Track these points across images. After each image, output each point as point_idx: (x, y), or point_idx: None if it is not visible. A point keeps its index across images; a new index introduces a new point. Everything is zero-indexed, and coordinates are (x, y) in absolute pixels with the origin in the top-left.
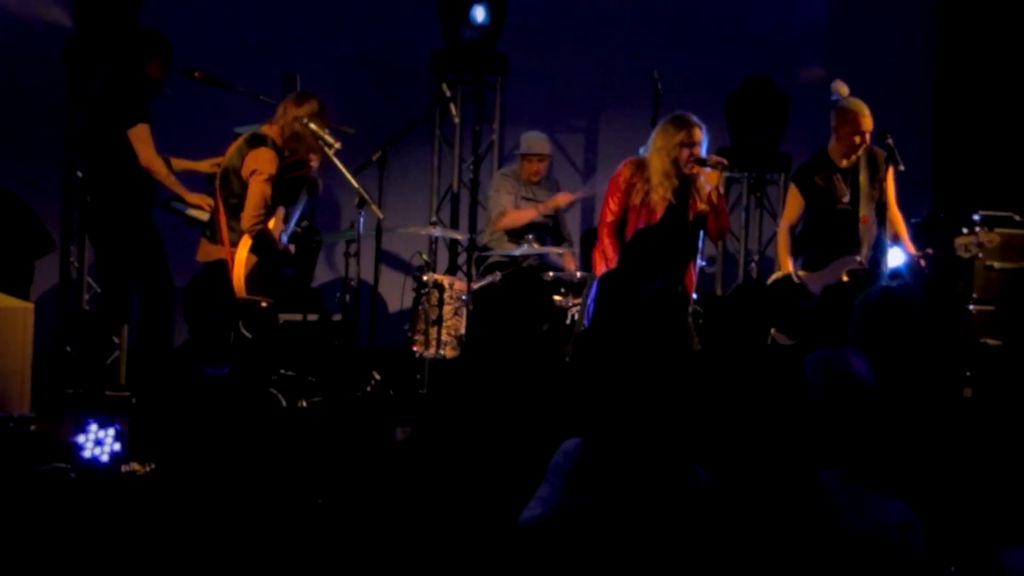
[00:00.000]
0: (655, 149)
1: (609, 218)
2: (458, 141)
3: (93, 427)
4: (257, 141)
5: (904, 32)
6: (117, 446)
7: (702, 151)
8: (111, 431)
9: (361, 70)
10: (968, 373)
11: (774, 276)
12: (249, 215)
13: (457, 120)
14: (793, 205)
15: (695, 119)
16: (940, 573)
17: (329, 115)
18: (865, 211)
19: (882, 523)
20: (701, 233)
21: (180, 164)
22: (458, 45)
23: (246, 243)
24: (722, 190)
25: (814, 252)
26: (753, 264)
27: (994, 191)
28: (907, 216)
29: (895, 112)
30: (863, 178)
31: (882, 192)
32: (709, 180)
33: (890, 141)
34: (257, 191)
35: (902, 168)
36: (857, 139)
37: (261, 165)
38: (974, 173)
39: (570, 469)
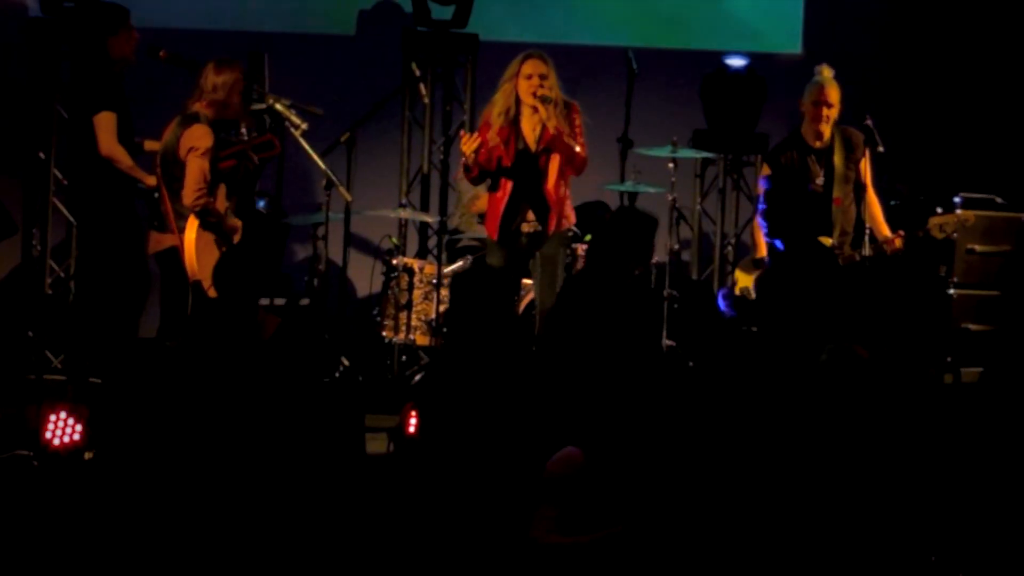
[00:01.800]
0: (502, 83)
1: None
2: (428, 122)
3: None
4: (189, 120)
5: (882, 12)
6: None
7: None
8: None
9: (329, 49)
10: (948, 359)
11: (740, 285)
12: (190, 191)
13: (427, 100)
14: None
15: (538, 52)
16: (921, 562)
17: (295, 93)
18: (839, 192)
19: None
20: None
21: (151, 145)
22: (428, 24)
23: (193, 224)
24: (561, 134)
25: (787, 234)
26: (729, 247)
27: (975, 173)
28: (886, 199)
29: (874, 93)
30: (838, 159)
31: (859, 174)
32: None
33: (869, 122)
34: (195, 167)
35: (881, 150)
36: (823, 110)
37: (196, 141)
38: (955, 155)
39: (575, 485)
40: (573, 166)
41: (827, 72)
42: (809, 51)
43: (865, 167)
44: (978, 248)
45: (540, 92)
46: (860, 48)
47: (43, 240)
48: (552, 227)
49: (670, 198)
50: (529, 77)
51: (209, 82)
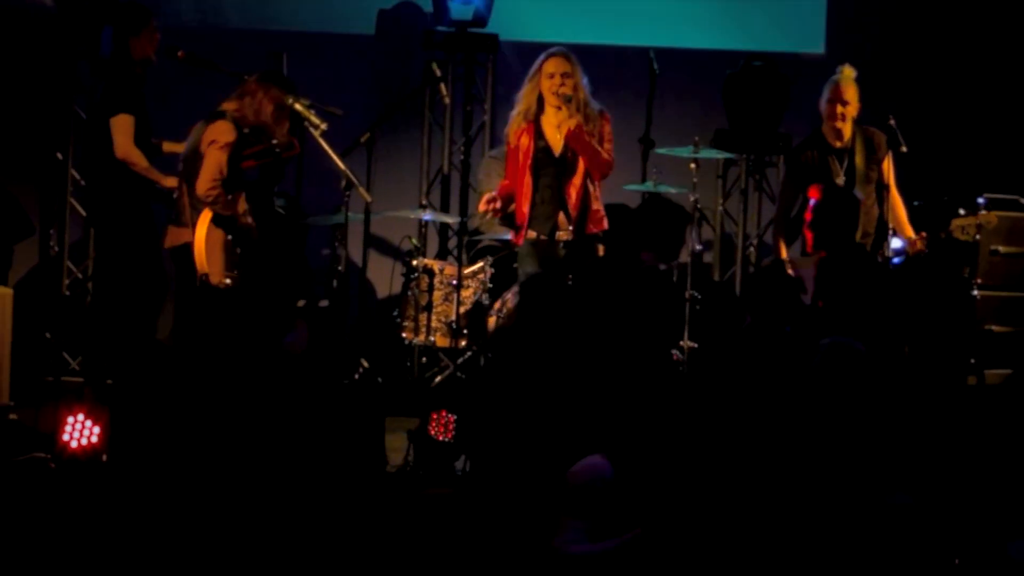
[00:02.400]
0: (525, 83)
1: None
2: (448, 122)
3: None
4: (215, 116)
5: (905, 12)
6: None
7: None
8: None
9: (349, 49)
10: (972, 360)
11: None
12: (203, 181)
13: (447, 101)
14: (788, 189)
15: (562, 50)
16: (944, 565)
17: (315, 94)
18: (860, 193)
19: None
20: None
21: (169, 147)
22: (449, 24)
23: (205, 218)
24: (580, 130)
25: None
26: (752, 248)
27: (1000, 173)
28: (910, 199)
29: (898, 93)
30: (859, 159)
31: (881, 174)
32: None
33: (892, 122)
34: (212, 158)
35: (904, 150)
36: (838, 107)
37: (217, 135)
38: (980, 156)
39: (603, 494)
40: (596, 167)
41: (847, 71)
42: (832, 51)
43: (888, 167)
44: (1002, 249)
45: (561, 91)
46: (883, 48)
47: (60, 241)
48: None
49: (692, 199)
50: (551, 76)
51: (250, 92)
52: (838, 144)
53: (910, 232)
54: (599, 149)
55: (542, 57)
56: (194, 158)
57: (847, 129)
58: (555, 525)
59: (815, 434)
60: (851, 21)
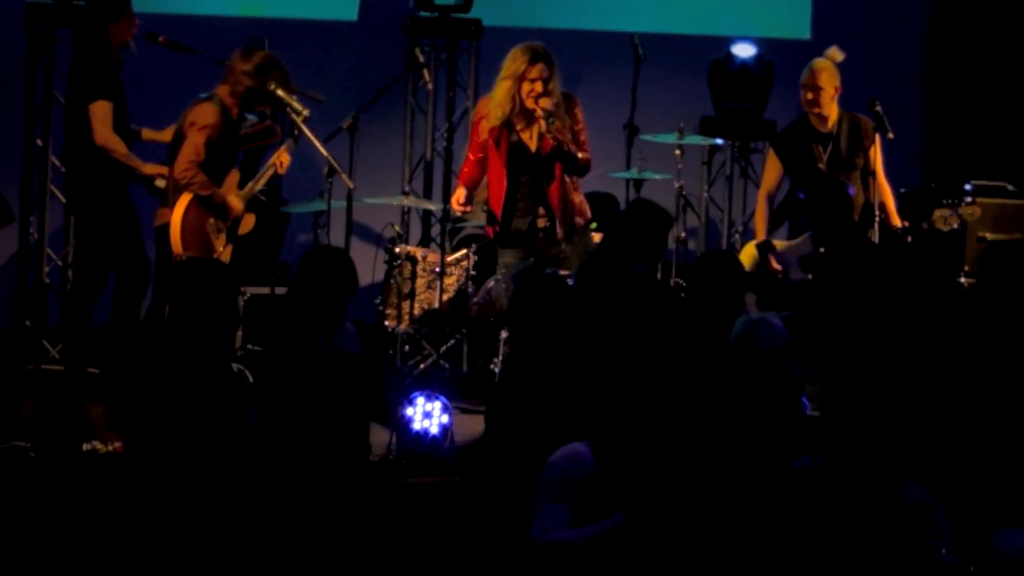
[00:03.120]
0: (501, 79)
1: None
2: (431, 108)
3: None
4: (202, 99)
5: None
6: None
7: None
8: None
9: (331, 35)
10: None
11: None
12: (180, 163)
13: (430, 86)
14: (771, 171)
15: (544, 51)
16: (931, 555)
17: (297, 80)
18: (844, 179)
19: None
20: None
21: (148, 134)
22: (432, 9)
23: (183, 200)
24: (555, 134)
25: (795, 220)
26: (737, 235)
27: (987, 160)
28: (897, 186)
29: (884, 79)
30: (843, 145)
31: (867, 161)
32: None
33: (879, 109)
34: (190, 141)
35: (891, 137)
36: (808, 94)
37: (198, 117)
38: (967, 143)
39: (583, 483)
40: (576, 172)
41: (832, 54)
42: (818, 36)
43: (875, 154)
44: (989, 236)
45: (544, 105)
46: (870, 33)
47: (40, 228)
48: (563, 227)
49: (676, 185)
50: (534, 81)
51: (238, 69)
52: (823, 130)
53: (896, 221)
54: (576, 156)
55: (523, 57)
56: (178, 139)
57: (831, 115)
58: (536, 512)
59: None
60: (837, 6)
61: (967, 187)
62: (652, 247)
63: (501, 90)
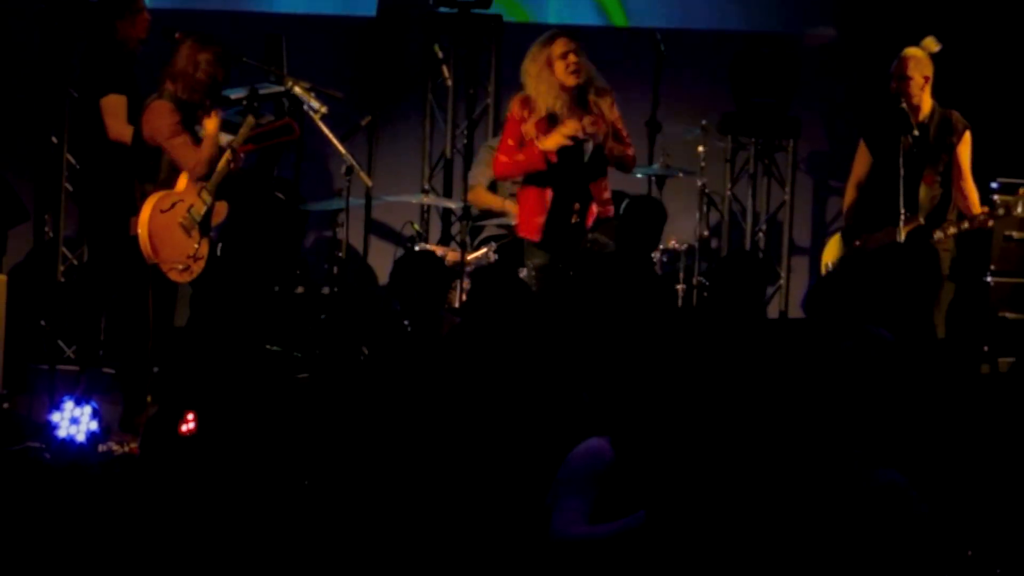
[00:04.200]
0: (533, 76)
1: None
2: (451, 106)
3: (68, 405)
4: (151, 99)
5: None
6: (94, 425)
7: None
8: (87, 409)
9: (350, 31)
10: (986, 348)
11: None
12: (191, 172)
13: (450, 84)
14: (860, 161)
15: (559, 29)
16: (957, 557)
17: (315, 77)
18: (928, 172)
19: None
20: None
21: None
22: (452, 5)
23: (148, 205)
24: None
25: (878, 211)
26: (760, 233)
27: (1016, 155)
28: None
29: None
30: (931, 139)
31: (953, 157)
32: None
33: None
34: (175, 150)
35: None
36: (892, 84)
37: (155, 127)
38: (998, 138)
39: (602, 478)
40: (623, 168)
41: (928, 43)
42: (843, 32)
43: (963, 151)
44: (1016, 235)
45: (574, 73)
46: (896, 28)
47: (55, 226)
48: (591, 220)
49: (699, 183)
50: (564, 56)
51: (184, 58)
52: (913, 120)
53: (977, 211)
54: (625, 154)
55: (543, 42)
56: (139, 141)
57: (923, 105)
58: (555, 507)
59: (830, 421)
60: (863, 0)
61: (993, 185)
62: (646, 239)
63: (540, 83)
